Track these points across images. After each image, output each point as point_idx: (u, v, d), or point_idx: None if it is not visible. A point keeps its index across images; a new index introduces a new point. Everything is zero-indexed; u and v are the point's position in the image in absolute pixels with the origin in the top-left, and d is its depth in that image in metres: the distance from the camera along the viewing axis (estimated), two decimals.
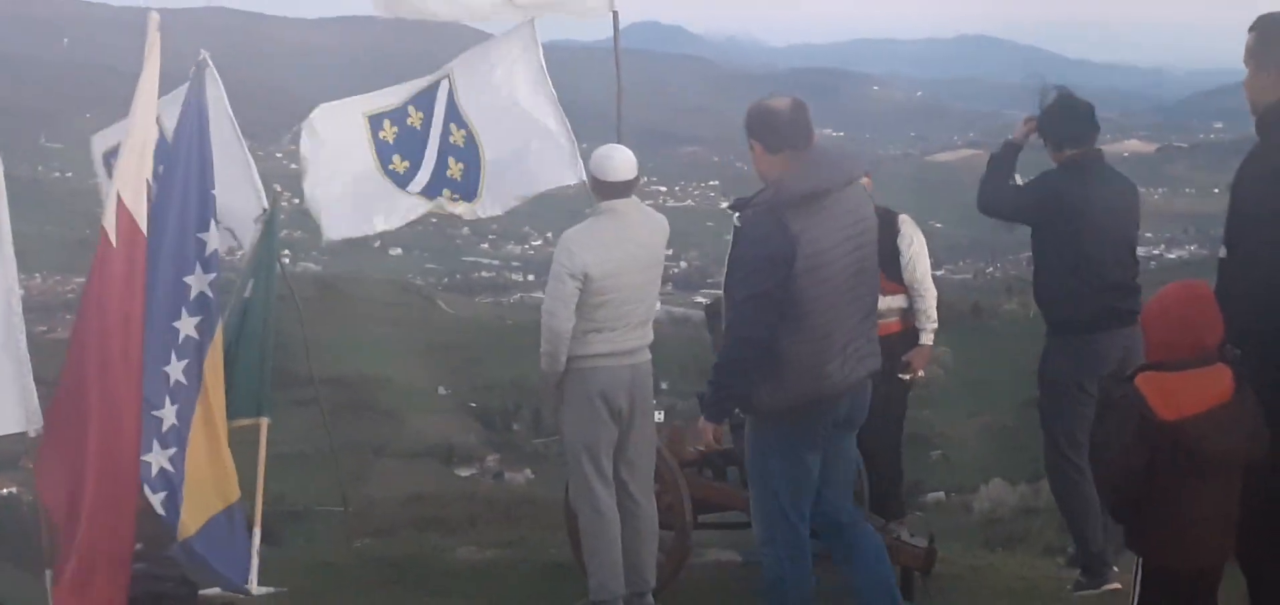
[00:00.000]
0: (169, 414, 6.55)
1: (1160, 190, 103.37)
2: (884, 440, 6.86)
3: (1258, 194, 4.69)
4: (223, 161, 6.91)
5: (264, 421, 7.15)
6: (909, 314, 7.08)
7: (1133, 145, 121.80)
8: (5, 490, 26.83)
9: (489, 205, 7.69)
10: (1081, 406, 6.30)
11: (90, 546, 5.78)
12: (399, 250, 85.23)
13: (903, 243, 6.98)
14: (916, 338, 7.10)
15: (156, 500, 6.46)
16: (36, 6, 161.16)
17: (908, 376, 7.06)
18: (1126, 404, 4.34)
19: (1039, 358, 6.53)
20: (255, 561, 6.96)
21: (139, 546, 6.13)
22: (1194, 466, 4.29)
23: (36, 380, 6.13)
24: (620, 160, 6.05)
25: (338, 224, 7.49)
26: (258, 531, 7.07)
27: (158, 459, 6.49)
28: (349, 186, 7.48)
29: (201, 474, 6.65)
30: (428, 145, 7.61)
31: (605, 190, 6.03)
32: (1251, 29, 4.82)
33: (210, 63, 7.00)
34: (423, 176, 7.58)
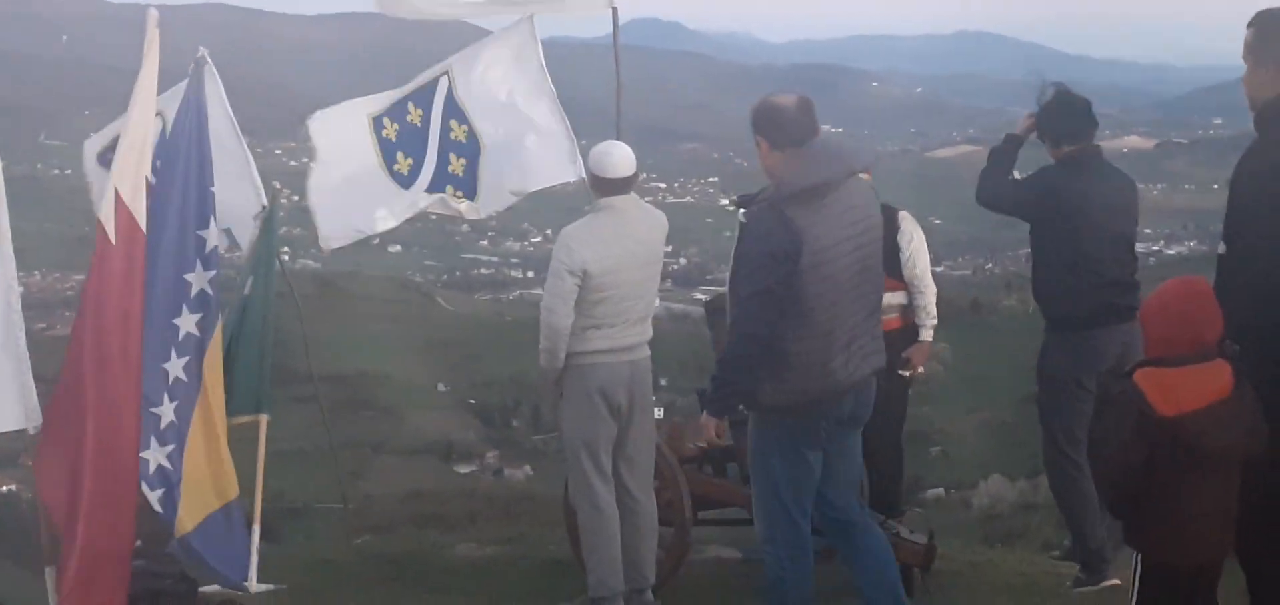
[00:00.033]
0: (167, 411, 6.55)
1: (1160, 186, 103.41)
2: (884, 437, 6.85)
3: (1256, 189, 4.69)
4: (222, 158, 6.91)
5: (263, 418, 7.16)
6: (909, 310, 7.08)
7: (1133, 141, 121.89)
8: (5, 488, 26.85)
9: (489, 202, 7.68)
10: (1080, 402, 6.30)
11: (90, 544, 5.77)
12: (398, 247, 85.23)
13: (903, 239, 6.98)
14: (916, 334, 7.10)
15: (154, 497, 6.47)
16: (36, 4, 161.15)
17: (908, 373, 7.06)
18: (1125, 400, 4.34)
19: (1038, 354, 6.53)
20: (254, 558, 6.96)
21: (138, 543, 6.13)
22: (1193, 462, 4.29)
23: (36, 378, 6.12)
24: (619, 156, 6.05)
25: (337, 230, 7.48)
26: (257, 528, 7.07)
27: (155, 456, 6.50)
28: (352, 188, 7.48)
29: (199, 472, 6.65)
30: (429, 141, 7.61)
31: (604, 187, 6.03)
32: (1250, 25, 4.82)
33: (209, 59, 7.00)
34: (426, 174, 7.58)
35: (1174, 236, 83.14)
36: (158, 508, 6.49)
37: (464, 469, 43.44)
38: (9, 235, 6.05)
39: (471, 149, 7.67)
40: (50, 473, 6.05)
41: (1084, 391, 6.28)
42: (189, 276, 6.64)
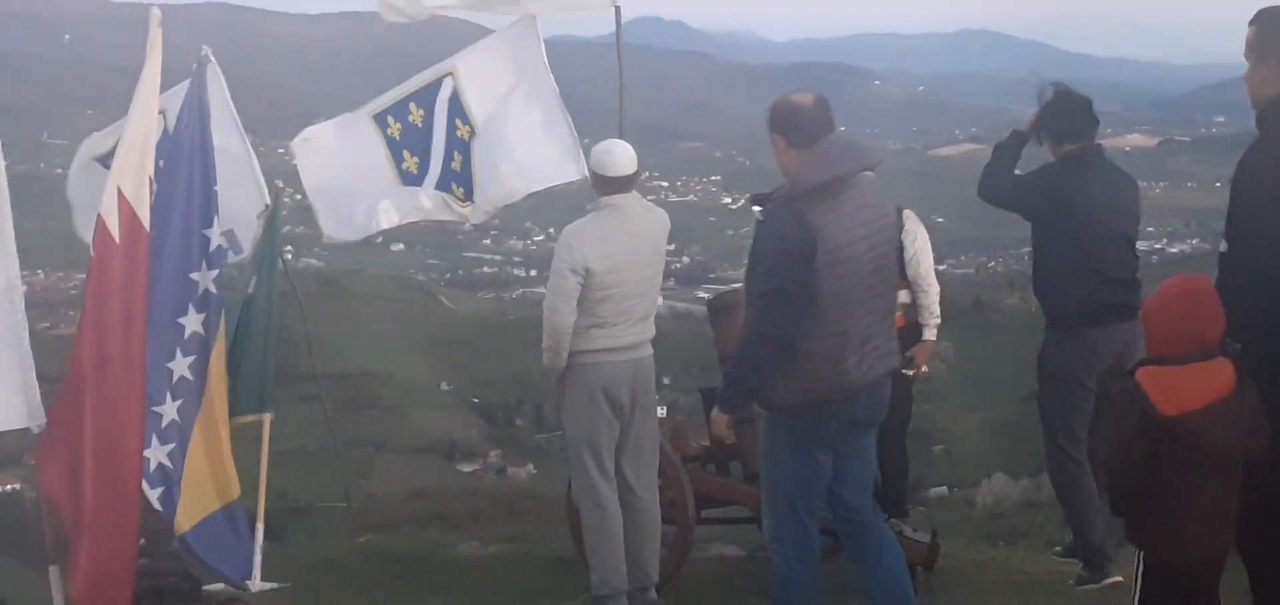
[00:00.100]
0: (170, 410, 6.56)
1: (1162, 184, 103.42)
2: (889, 436, 6.83)
3: (1258, 187, 4.69)
4: (225, 157, 6.91)
5: (267, 417, 7.16)
6: (912, 309, 7.09)
7: (1135, 139, 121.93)
8: (8, 487, 26.86)
9: (484, 199, 7.64)
10: (1080, 401, 6.30)
11: (94, 542, 5.79)
12: (401, 246, 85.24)
13: (906, 238, 6.98)
14: (920, 333, 7.10)
15: (154, 495, 6.47)
16: (37, 4, 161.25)
17: (912, 371, 7.06)
18: (1126, 398, 4.34)
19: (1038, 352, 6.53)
20: (258, 557, 6.97)
21: (141, 542, 6.13)
22: (1194, 461, 4.28)
23: (39, 376, 6.13)
24: (621, 155, 6.05)
25: (342, 225, 7.49)
26: (261, 527, 7.07)
27: (156, 454, 6.50)
28: (357, 186, 7.48)
29: (200, 471, 6.65)
30: (433, 140, 7.61)
31: (606, 185, 6.03)
32: (1252, 23, 4.81)
33: (212, 58, 7.01)
34: (434, 172, 7.58)
35: (1176, 235, 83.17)
36: (158, 506, 6.50)
37: (467, 468, 43.48)
38: (12, 234, 6.07)
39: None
40: (53, 471, 6.07)
41: (1084, 389, 6.29)
42: (195, 275, 6.65)
